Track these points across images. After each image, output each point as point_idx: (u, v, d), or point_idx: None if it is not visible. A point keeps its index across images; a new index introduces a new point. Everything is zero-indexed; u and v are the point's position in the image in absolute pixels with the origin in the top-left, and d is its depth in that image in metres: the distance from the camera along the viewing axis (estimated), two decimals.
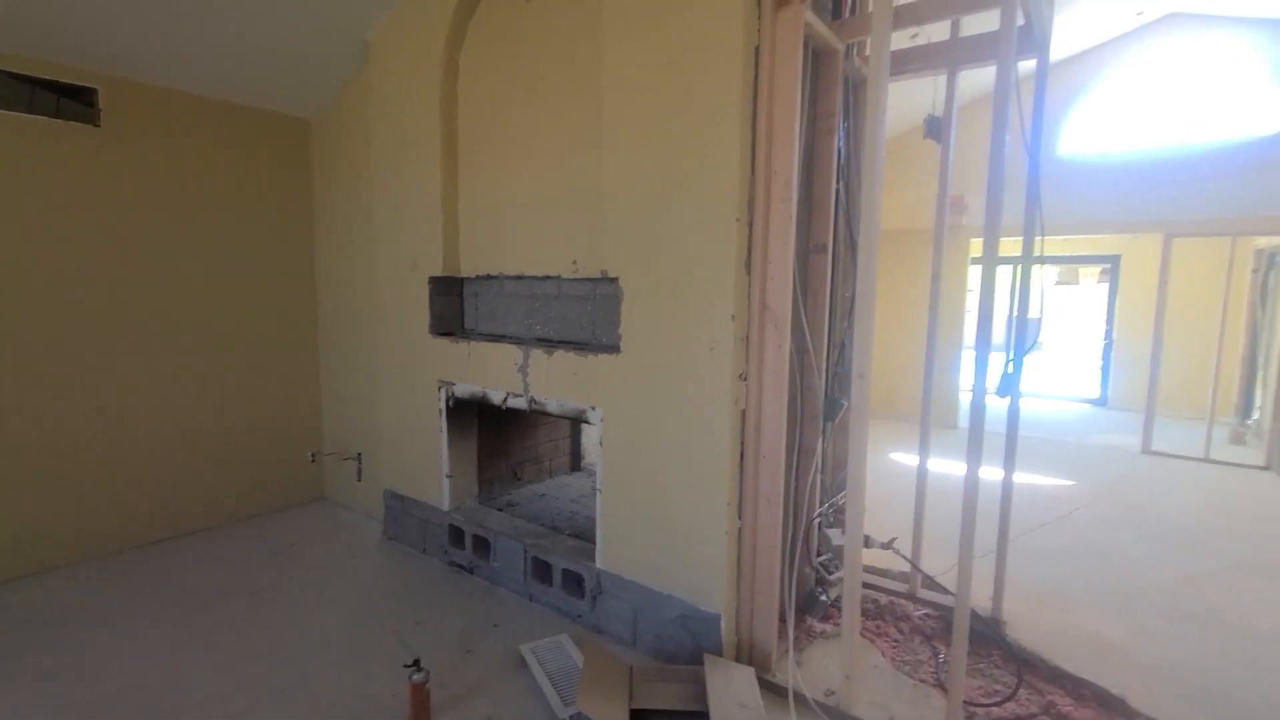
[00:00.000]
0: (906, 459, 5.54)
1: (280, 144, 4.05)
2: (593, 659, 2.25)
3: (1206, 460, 5.73)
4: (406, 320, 3.52)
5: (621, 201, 2.56)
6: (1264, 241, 6.22)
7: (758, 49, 2.26)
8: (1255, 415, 6.39)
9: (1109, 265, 8.59)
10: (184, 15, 3.06)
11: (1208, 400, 6.10)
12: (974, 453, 1.99)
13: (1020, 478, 4.99)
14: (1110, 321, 8.47)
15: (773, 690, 2.32)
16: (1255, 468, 5.57)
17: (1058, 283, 16.60)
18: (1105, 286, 9.62)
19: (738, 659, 2.45)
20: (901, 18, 2.52)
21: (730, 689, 2.11)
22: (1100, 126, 6.14)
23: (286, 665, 2.54)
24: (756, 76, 2.28)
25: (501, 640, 2.74)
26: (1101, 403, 8.43)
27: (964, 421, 6.94)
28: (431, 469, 3.46)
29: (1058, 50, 5.67)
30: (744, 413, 2.40)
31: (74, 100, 3.24)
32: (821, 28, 2.43)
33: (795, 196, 2.31)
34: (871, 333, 2.14)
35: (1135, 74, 5.99)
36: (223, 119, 3.77)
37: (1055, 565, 3.53)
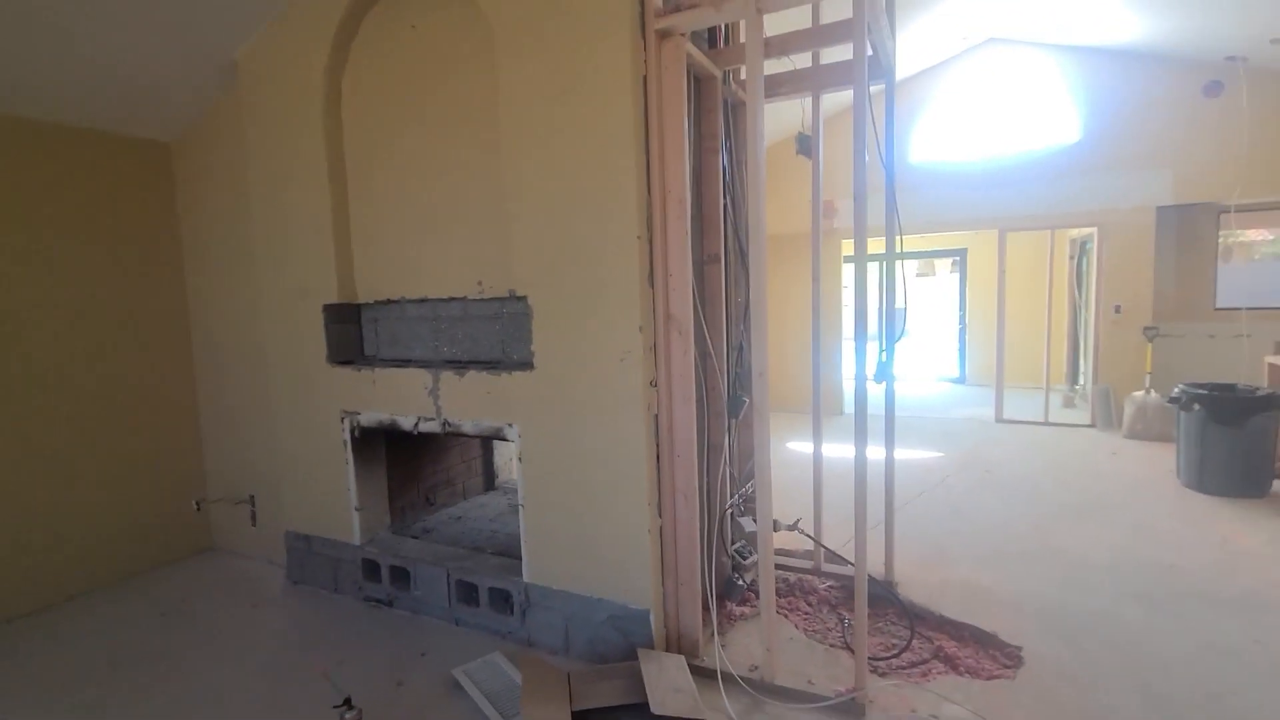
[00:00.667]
0: (800, 446, 5.97)
1: (138, 170, 3.73)
2: (530, 671, 2.30)
3: (1047, 424, 6.64)
4: (299, 351, 3.36)
5: (525, 222, 2.63)
6: (1075, 232, 7.31)
7: (645, 78, 2.43)
8: (1081, 381, 7.47)
9: (958, 258, 9.68)
10: (21, 37, 2.77)
11: (1043, 371, 7.07)
12: (860, 435, 2.25)
13: (898, 454, 5.55)
14: (963, 307, 9.54)
15: (701, 673, 2.47)
16: (1084, 426, 6.53)
17: (918, 275, 18.37)
18: (956, 277, 10.81)
19: (667, 649, 2.58)
20: (770, 48, 2.80)
21: (664, 677, 2.24)
22: (942, 137, 6.96)
23: None
24: (646, 103, 2.44)
25: (431, 668, 2.70)
26: (960, 380, 9.47)
27: (848, 408, 7.57)
28: (339, 503, 3.33)
29: (902, 70, 6.37)
30: (656, 417, 2.55)
31: None
32: (701, 57, 2.64)
33: (689, 212, 2.49)
34: (766, 334, 2.36)
35: (966, 90, 6.85)
36: (72, 145, 3.43)
37: (935, 528, 3.99)
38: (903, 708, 2.31)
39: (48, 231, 3.36)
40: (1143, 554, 3.52)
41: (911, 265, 17.02)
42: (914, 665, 2.61)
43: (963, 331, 9.50)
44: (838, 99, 6.34)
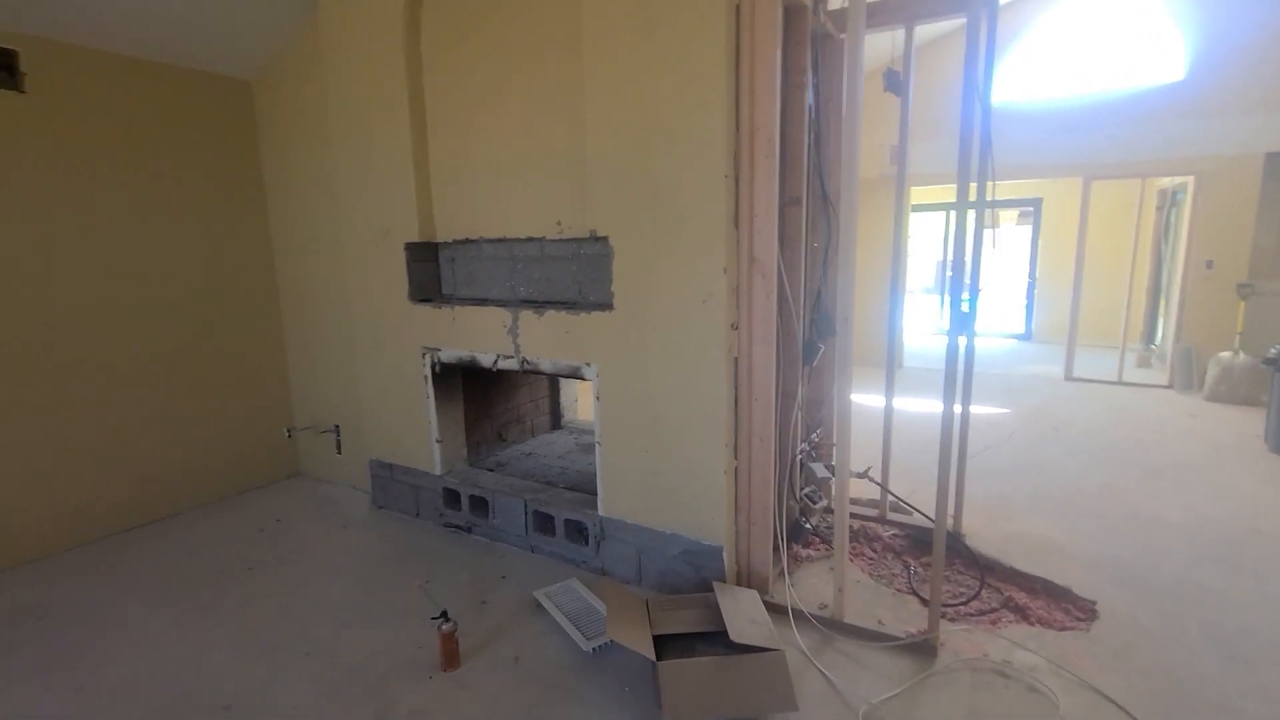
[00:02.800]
0: (861, 398, 5.91)
1: (221, 108, 3.82)
2: (612, 595, 2.42)
3: (1120, 383, 6.38)
4: (381, 289, 3.47)
5: (608, 161, 2.61)
6: (1166, 181, 6.81)
7: (738, 7, 2.33)
8: (1158, 340, 7.11)
9: (1031, 208, 9.17)
10: None
11: (1119, 330, 6.74)
12: (949, 390, 2.22)
13: (970, 409, 5.44)
14: (1034, 261, 9.10)
15: (772, 609, 2.55)
16: (1160, 387, 6.25)
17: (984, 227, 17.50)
18: (1023, 229, 10.29)
19: (738, 585, 2.67)
20: None
21: (740, 609, 2.33)
22: (1023, 74, 6.49)
23: (302, 632, 2.59)
24: (738, 35, 2.35)
25: (512, 589, 2.87)
26: (1026, 337, 9.13)
27: (909, 361, 7.42)
28: (420, 435, 3.50)
29: None
30: (736, 360, 2.56)
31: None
32: None
33: (777, 152, 2.43)
34: (854, 280, 2.32)
35: (1056, 23, 6.33)
36: (158, 82, 3.53)
37: (1001, 482, 3.94)
38: (975, 651, 2.35)
39: (141, 168, 3.50)
40: (1223, 517, 3.41)
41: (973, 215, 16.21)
42: (983, 613, 2.64)
43: (1032, 286, 9.10)
44: (917, 31, 5.97)
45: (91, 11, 3.06)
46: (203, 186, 3.76)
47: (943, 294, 10.63)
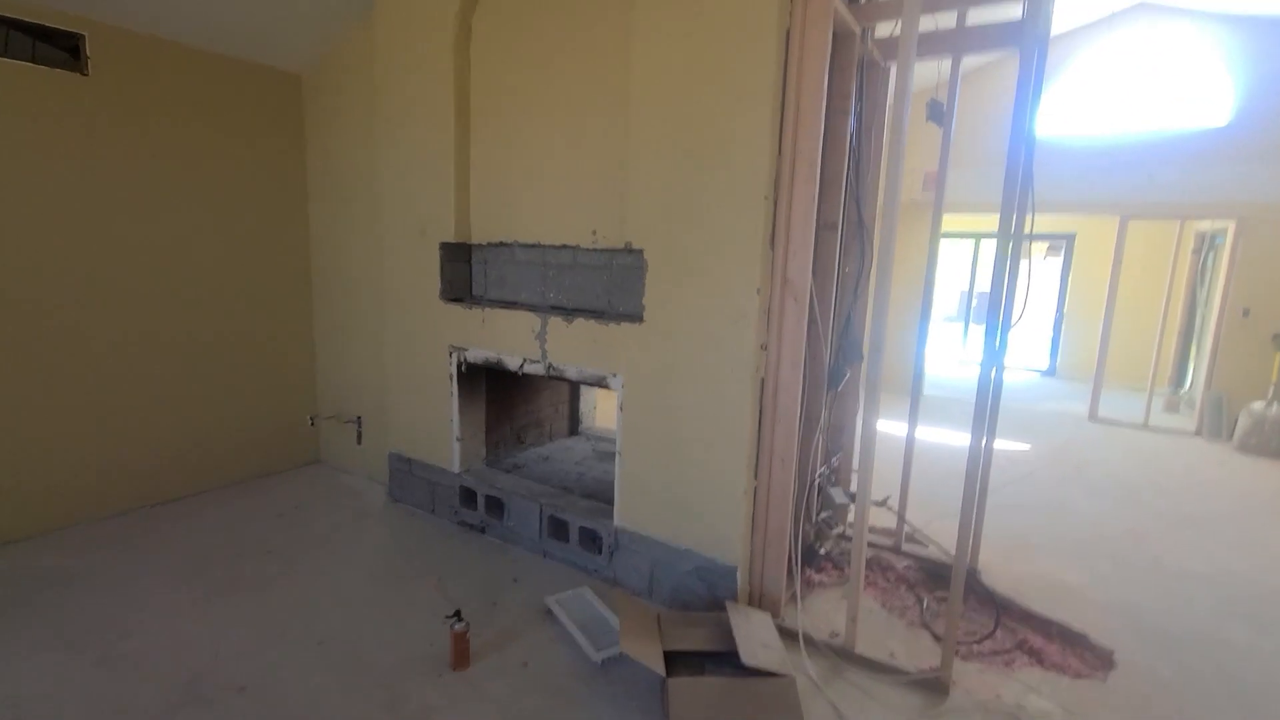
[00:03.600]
0: (881, 425, 5.85)
1: (271, 99, 3.92)
2: (626, 608, 2.42)
3: (1146, 427, 6.26)
4: (414, 285, 3.52)
5: (648, 176, 2.64)
6: (1205, 224, 6.70)
7: (788, 31, 2.35)
8: (1187, 385, 6.97)
9: (1063, 243, 9.07)
10: None
11: (1148, 372, 6.63)
12: (979, 424, 2.20)
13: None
14: (1062, 296, 8.98)
15: (782, 633, 2.54)
16: (1187, 434, 6.13)
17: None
18: (1051, 262, 10.16)
19: (750, 606, 2.66)
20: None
21: (752, 631, 2.32)
22: (1065, 110, 6.43)
23: (317, 619, 2.63)
24: (786, 58, 2.37)
25: (523, 593, 2.88)
26: (1050, 373, 9.00)
27: (928, 389, 7.34)
28: (441, 432, 3.53)
29: None
30: (763, 380, 2.56)
31: (58, 47, 3.07)
32: (845, 11, 2.53)
33: (818, 176, 2.43)
34: (887, 307, 2.32)
35: (1103, 61, 6.28)
36: (212, 72, 3.63)
37: (1020, 520, 3.88)
38: (987, 692, 2.31)
39: (189, 152, 3.59)
40: (1250, 572, 3.33)
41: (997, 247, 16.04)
42: (996, 653, 2.60)
43: (1059, 321, 8.98)
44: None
45: (156, 2, 3.16)
46: (247, 173, 3.85)
47: (966, 323, 10.52)
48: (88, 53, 3.15)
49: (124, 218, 3.38)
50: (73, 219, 3.20)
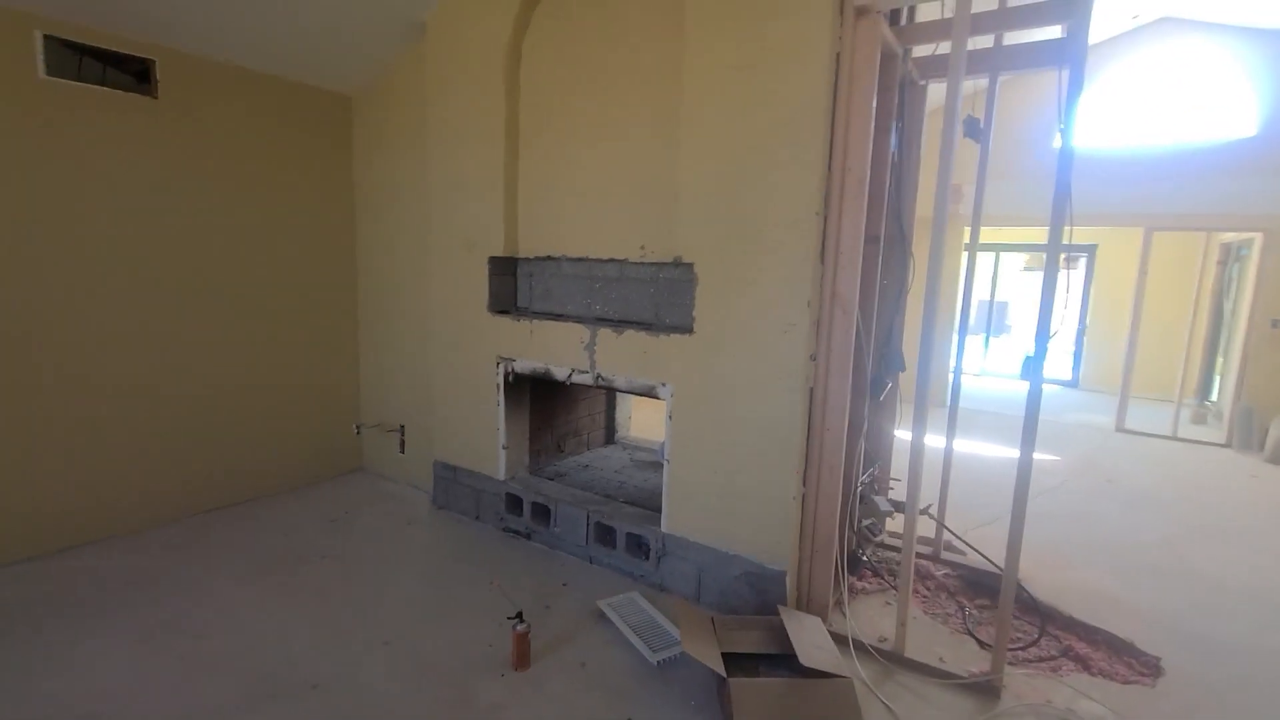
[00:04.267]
0: (904, 434, 5.90)
1: (323, 119, 4.07)
2: (683, 611, 2.49)
3: (1174, 438, 6.25)
4: (461, 298, 3.64)
5: (700, 192, 2.73)
6: (1229, 236, 6.71)
7: (839, 55, 2.45)
8: (1214, 396, 6.95)
9: (1085, 254, 9.08)
10: None
11: (1175, 383, 6.62)
12: (1028, 438, 2.27)
13: (1009, 452, 5.41)
14: (1085, 307, 8.98)
15: (832, 638, 2.59)
16: (1217, 445, 6.11)
17: (1025, 269, 17.31)
18: (1069, 274, 10.15)
19: (798, 611, 2.72)
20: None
21: (805, 634, 2.38)
22: (1092, 123, 6.49)
23: (379, 620, 2.71)
24: (836, 80, 2.46)
25: (574, 597, 2.96)
26: (1073, 384, 8.98)
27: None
28: (487, 440, 3.63)
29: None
30: (812, 390, 2.63)
31: (131, 73, 3.23)
32: (889, 35, 2.62)
33: (866, 193, 2.52)
34: (935, 319, 2.39)
35: (1128, 74, 6.34)
36: (270, 93, 3.78)
37: (1055, 530, 3.91)
38: (1038, 697, 2.36)
39: (245, 169, 3.74)
40: None
41: (1018, 259, 16.03)
42: (1042, 660, 2.64)
43: (1081, 333, 8.97)
44: (978, 83, 6.04)
45: (222, 30, 3.32)
46: (299, 189, 4.00)
47: (988, 334, 10.53)
48: (157, 77, 3.30)
49: (187, 231, 3.52)
50: (139, 234, 3.35)
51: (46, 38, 2.95)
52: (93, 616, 2.66)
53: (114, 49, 3.15)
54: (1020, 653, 2.68)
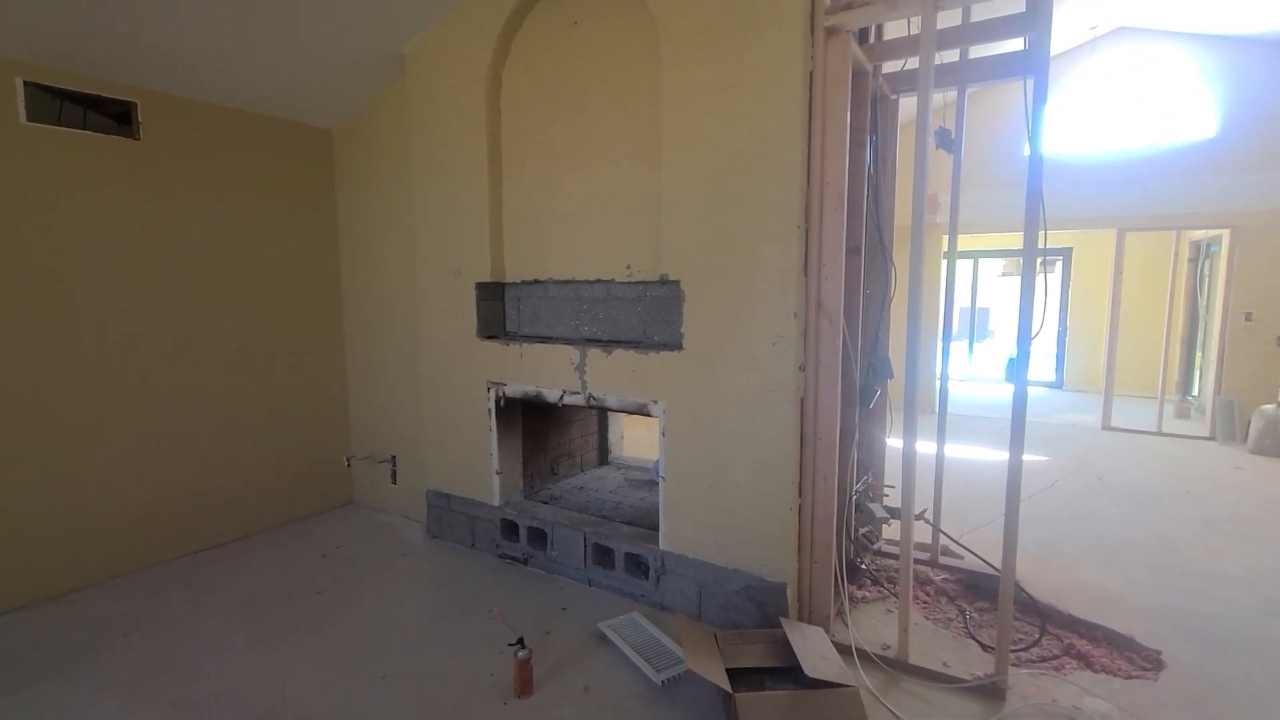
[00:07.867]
0: (894, 441, 5.93)
1: (304, 154, 4.10)
2: (685, 628, 2.48)
3: (1159, 434, 6.34)
4: (449, 325, 3.64)
5: (684, 211, 2.78)
6: (1199, 233, 6.89)
7: (811, 74, 2.52)
8: (1195, 391, 7.07)
9: (1061, 257, 9.27)
10: (220, 28, 3.08)
11: (1153, 380, 6.74)
12: (1017, 440, 2.30)
13: (997, 455, 5.45)
14: (1064, 309, 9.14)
15: (836, 647, 2.58)
16: (1201, 438, 6.20)
17: (1003, 275, 17.61)
18: (1046, 277, 10.35)
19: (799, 622, 2.71)
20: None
21: (809, 645, 2.37)
22: (1060, 131, 6.68)
23: (376, 655, 2.67)
24: (810, 98, 2.53)
25: (574, 621, 2.93)
26: (1057, 385, 9.10)
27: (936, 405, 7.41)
28: (480, 467, 3.61)
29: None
30: (803, 400, 2.66)
31: (112, 115, 3.25)
32: (860, 53, 2.71)
33: (845, 205, 2.58)
34: (919, 326, 2.43)
35: (1090, 83, 6.55)
36: (249, 129, 3.81)
37: (1050, 530, 3.94)
38: (1043, 697, 2.36)
39: (228, 205, 3.74)
40: None
41: (996, 265, 16.32)
42: (1045, 660, 2.64)
43: (1062, 335, 9.12)
44: (949, 93, 6.22)
45: (202, 69, 3.35)
46: (282, 223, 4.01)
47: (971, 340, 10.67)
48: (139, 118, 3.32)
49: (172, 267, 3.51)
50: (124, 274, 3.34)
51: (27, 84, 2.96)
52: (80, 665, 2.60)
53: (95, 92, 3.17)
54: (1023, 653, 2.68)
